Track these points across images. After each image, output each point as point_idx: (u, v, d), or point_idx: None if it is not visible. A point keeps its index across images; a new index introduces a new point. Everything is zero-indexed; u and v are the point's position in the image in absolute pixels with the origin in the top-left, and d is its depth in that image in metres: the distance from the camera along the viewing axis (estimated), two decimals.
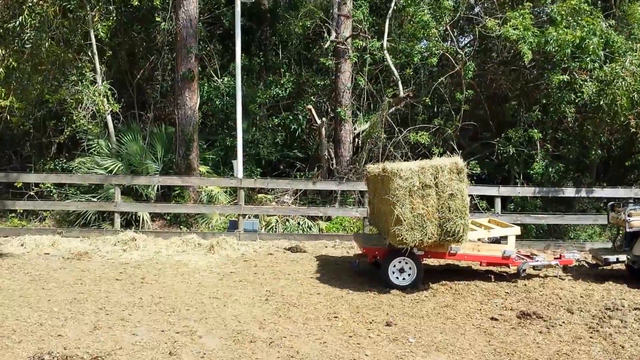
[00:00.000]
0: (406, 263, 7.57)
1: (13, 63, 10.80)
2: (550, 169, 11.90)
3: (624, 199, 9.83)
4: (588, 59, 11.09)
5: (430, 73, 13.42)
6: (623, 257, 8.06)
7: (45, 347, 5.19)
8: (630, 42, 11.51)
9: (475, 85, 13.19)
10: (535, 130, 12.03)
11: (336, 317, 6.38)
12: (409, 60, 12.74)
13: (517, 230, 8.30)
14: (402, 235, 7.00)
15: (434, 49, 12.43)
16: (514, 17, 11.69)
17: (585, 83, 11.08)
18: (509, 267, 8.29)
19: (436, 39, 12.59)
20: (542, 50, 11.53)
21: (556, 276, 8.32)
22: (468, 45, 14.70)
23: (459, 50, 13.03)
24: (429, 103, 13.17)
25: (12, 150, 14.48)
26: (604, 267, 8.47)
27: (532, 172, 11.91)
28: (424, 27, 12.36)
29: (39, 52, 11.40)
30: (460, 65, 12.46)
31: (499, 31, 11.76)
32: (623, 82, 10.55)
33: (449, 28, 13.11)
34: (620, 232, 8.55)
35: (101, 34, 12.15)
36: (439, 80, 12.96)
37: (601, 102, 10.86)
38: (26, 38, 10.82)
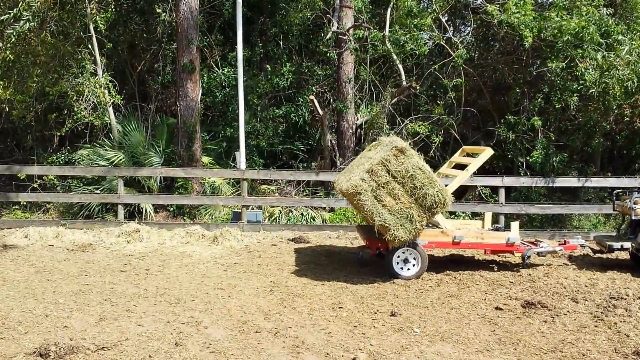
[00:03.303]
0: (410, 253, 7.57)
1: (10, 56, 10.76)
2: (554, 158, 11.86)
3: (628, 188, 9.82)
4: (589, 47, 11.02)
5: (433, 62, 13.34)
6: (627, 245, 8.05)
7: (51, 339, 5.20)
8: (630, 32, 11.42)
9: (474, 73, 13.15)
10: (537, 118, 11.97)
11: (341, 307, 6.39)
12: (403, 50, 12.66)
13: (489, 151, 8.29)
14: (396, 236, 7.06)
15: (425, 37, 12.41)
16: (515, 2, 11.60)
17: (587, 71, 11.02)
18: (513, 254, 8.27)
19: (429, 27, 12.55)
20: (543, 37, 11.46)
21: (561, 265, 8.31)
22: (469, 34, 14.64)
23: (452, 37, 12.99)
24: (421, 89, 13.10)
25: (14, 143, 14.48)
26: (608, 254, 8.46)
27: (530, 160, 11.89)
28: (409, 15, 12.32)
29: (35, 44, 11.35)
30: (454, 54, 12.43)
31: (500, 17, 11.68)
32: (617, 72, 10.49)
33: (440, 17, 13.04)
34: (626, 220, 8.55)
35: (99, 25, 12.08)
36: (432, 68, 12.94)
37: (591, 91, 10.80)
38: (22, 30, 10.74)
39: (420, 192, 7.08)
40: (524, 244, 8.24)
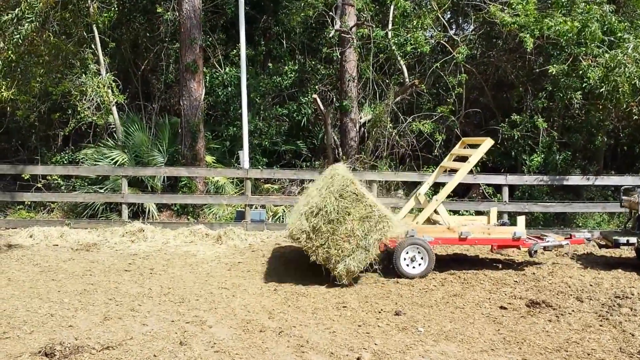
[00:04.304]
0: (418, 252, 7.55)
1: (12, 56, 10.77)
2: (557, 157, 11.83)
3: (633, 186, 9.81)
4: (592, 45, 10.97)
5: (436, 60, 13.32)
6: (633, 240, 8.01)
7: (56, 338, 5.21)
8: (633, 29, 11.35)
9: (475, 71, 13.12)
10: (541, 119, 11.93)
11: (345, 306, 6.38)
12: (405, 50, 12.64)
13: (489, 141, 8.20)
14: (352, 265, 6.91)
15: (427, 35, 12.41)
16: (517, 2, 11.55)
17: (591, 69, 10.97)
18: (519, 248, 8.23)
19: (429, 25, 12.55)
20: (545, 36, 11.42)
21: (566, 264, 8.29)
22: (472, 32, 14.62)
23: (453, 35, 12.97)
24: (424, 87, 13.10)
25: (19, 142, 14.51)
26: (613, 252, 8.44)
27: (533, 161, 11.84)
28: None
29: (38, 44, 11.36)
30: (455, 51, 12.43)
31: (502, 19, 11.64)
32: (625, 69, 10.45)
33: (439, 15, 13.01)
34: (633, 215, 8.54)
35: (101, 25, 12.08)
36: (434, 66, 12.93)
37: (601, 90, 10.76)
38: (27, 34, 10.74)
39: (339, 216, 6.85)
40: (530, 238, 8.23)
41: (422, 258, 7.56)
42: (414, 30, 12.54)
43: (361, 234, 6.85)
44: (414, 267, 7.56)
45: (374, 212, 6.89)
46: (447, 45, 12.97)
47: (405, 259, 7.54)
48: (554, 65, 11.17)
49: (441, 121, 13.06)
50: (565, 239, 8.37)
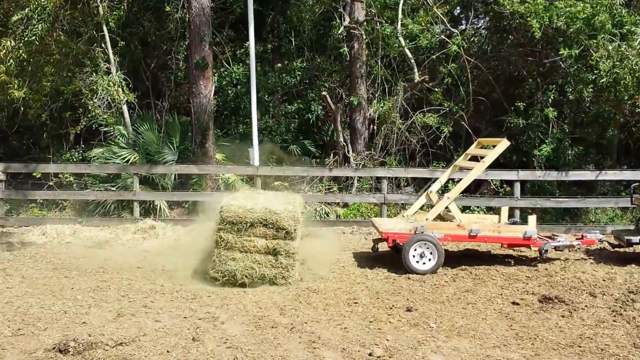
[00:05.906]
0: (427, 248, 7.52)
1: (23, 55, 10.84)
2: (568, 151, 11.73)
3: None
4: (602, 38, 10.84)
5: (445, 56, 13.24)
6: None
7: (70, 334, 5.24)
8: None
9: (482, 66, 13.06)
10: (551, 109, 11.83)
11: (356, 302, 6.38)
12: (414, 44, 12.59)
13: (505, 142, 8.15)
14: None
15: (416, 28, 12.43)
16: None
17: (602, 60, 10.84)
18: (530, 248, 8.19)
19: (427, 22, 12.57)
20: (555, 27, 11.31)
21: (578, 259, 8.23)
22: (483, 27, 14.52)
23: (450, 29, 12.94)
24: (433, 82, 13.04)
25: (30, 141, 14.62)
26: (626, 249, 8.37)
27: (539, 153, 11.74)
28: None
29: (49, 43, 11.44)
30: (451, 41, 12.41)
31: (511, 7, 11.54)
32: (629, 62, 10.32)
33: (435, 9, 12.96)
34: None
35: (111, 24, 12.15)
36: (442, 61, 12.87)
37: (602, 81, 10.64)
38: (39, 32, 10.79)
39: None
40: (541, 238, 8.17)
41: (431, 254, 7.53)
42: (414, 25, 12.51)
43: None
44: (423, 264, 7.53)
45: None
46: (446, 39, 12.87)
47: (414, 255, 7.52)
48: (566, 49, 11.04)
49: (450, 116, 12.99)
50: (577, 239, 8.29)
